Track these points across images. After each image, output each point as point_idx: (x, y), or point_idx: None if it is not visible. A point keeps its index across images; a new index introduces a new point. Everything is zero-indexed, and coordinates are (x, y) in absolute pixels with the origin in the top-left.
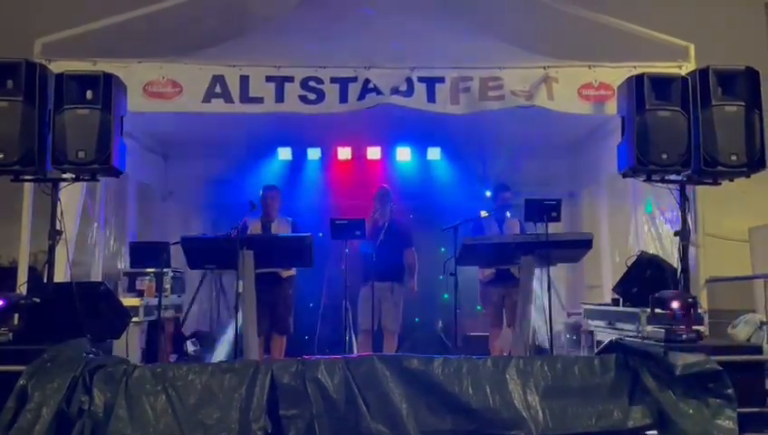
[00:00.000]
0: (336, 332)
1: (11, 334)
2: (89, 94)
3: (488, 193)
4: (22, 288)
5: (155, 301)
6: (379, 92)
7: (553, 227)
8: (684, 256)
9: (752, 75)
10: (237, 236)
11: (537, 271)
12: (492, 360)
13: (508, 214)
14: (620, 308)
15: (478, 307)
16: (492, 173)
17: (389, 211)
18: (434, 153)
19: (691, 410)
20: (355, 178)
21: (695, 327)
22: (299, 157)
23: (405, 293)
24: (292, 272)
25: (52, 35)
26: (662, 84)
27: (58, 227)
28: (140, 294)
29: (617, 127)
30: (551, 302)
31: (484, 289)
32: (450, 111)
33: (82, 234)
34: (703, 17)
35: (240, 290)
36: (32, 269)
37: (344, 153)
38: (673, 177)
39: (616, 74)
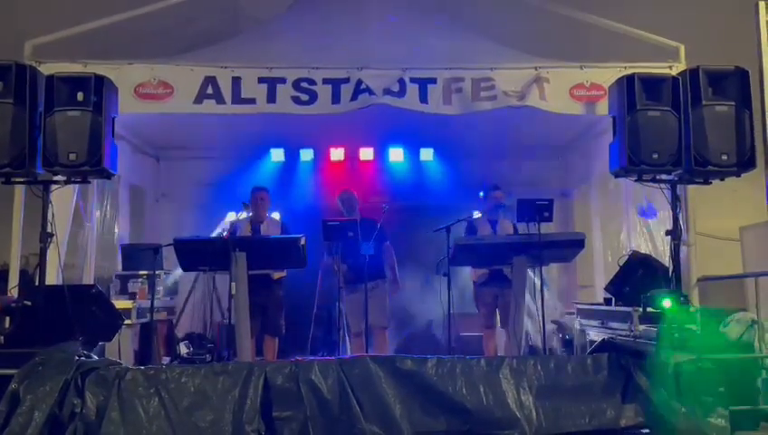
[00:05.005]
0: (329, 333)
1: (2, 338)
2: (79, 96)
3: (481, 194)
4: (13, 291)
5: (147, 303)
6: (371, 93)
7: (545, 227)
8: (675, 256)
9: (741, 75)
10: (230, 237)
11: (530, 271)
12: (485, 360)
13: (502, 215)
14: (613, 307)
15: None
16: (484, 173)
17: (357, 212)
18: (426, 154)
19: (683, 409)
20: (348, 179)
21: (686, 326)
22: (292, 158)
23: (390, 288)
24: (284, 274)
25: (42, 37)
26: (653, 84)
27: (49, 230)
28: (133, 296)
29: (608, 127)
30: (543, 302)
31: (477, 290)
32: (443, 111)
33: (74, 236)
34: (693, 18)
35: (233, 292)
36: (23, 272)
37: (337, 154)
38: (664, 176)
39: (607, 75)
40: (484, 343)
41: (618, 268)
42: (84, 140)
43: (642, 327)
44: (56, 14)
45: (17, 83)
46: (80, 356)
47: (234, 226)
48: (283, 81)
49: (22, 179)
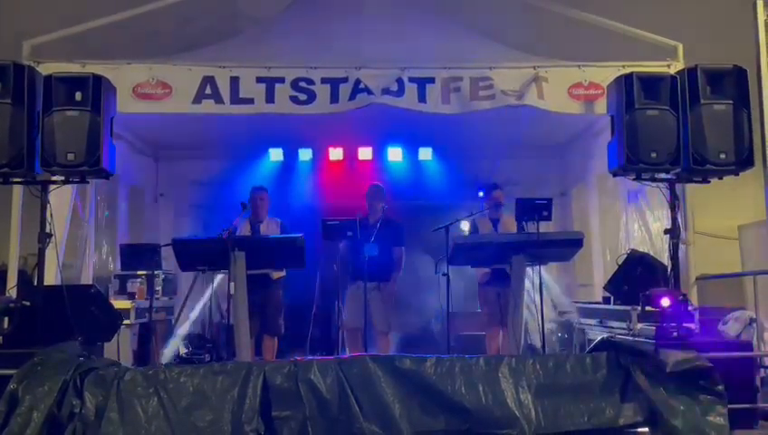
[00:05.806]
0: (328, 332)
1: (1, 338)
2: (78, 96)
3: (480, 193)
4: (12, 291)
5: (146, 303)
6: (369, 93)
7: (544, 226)
8: (674, 254)
9: (740, 74)
10: (228, 237)
11: (529, 270)
12: (484, 359)
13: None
14: (611, 306)
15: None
16: (483, 173)
17: (381, 209)
18: (425, 153)
19: (682, 407)
20: (346, 178)
21: (685, 324)
22: (290, 158)
23: (394, 291)
24: (282, 273)
25: (40, 37)
26: (651, 83)
27: (48, 230)
28: (131, 296)
29: (607, 126)
30: (542, 301)
31: (482, 289)
32: (441, 110)
33: (73, 236)
34: (691, 16)
35: (232, 292)
36: (22, 272)
37: (335, 154)
38: (662, 175)
39: (605, 74)
40: (487, 342)
41: (616, 267)
42: (82, 140)
43: (641, 326)
44: (54, 14)
45: (15, 83)
46: (78, 356)
47: (233, 225)
48: (281, 80)
49: (20, 180)
